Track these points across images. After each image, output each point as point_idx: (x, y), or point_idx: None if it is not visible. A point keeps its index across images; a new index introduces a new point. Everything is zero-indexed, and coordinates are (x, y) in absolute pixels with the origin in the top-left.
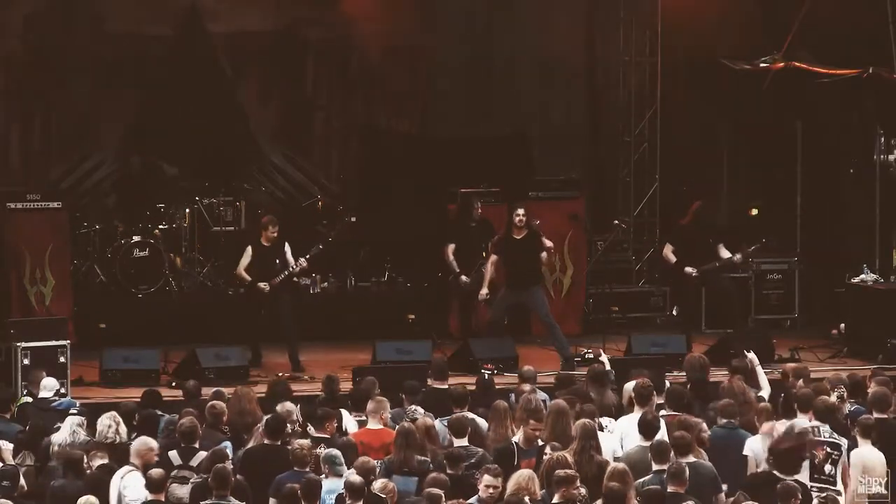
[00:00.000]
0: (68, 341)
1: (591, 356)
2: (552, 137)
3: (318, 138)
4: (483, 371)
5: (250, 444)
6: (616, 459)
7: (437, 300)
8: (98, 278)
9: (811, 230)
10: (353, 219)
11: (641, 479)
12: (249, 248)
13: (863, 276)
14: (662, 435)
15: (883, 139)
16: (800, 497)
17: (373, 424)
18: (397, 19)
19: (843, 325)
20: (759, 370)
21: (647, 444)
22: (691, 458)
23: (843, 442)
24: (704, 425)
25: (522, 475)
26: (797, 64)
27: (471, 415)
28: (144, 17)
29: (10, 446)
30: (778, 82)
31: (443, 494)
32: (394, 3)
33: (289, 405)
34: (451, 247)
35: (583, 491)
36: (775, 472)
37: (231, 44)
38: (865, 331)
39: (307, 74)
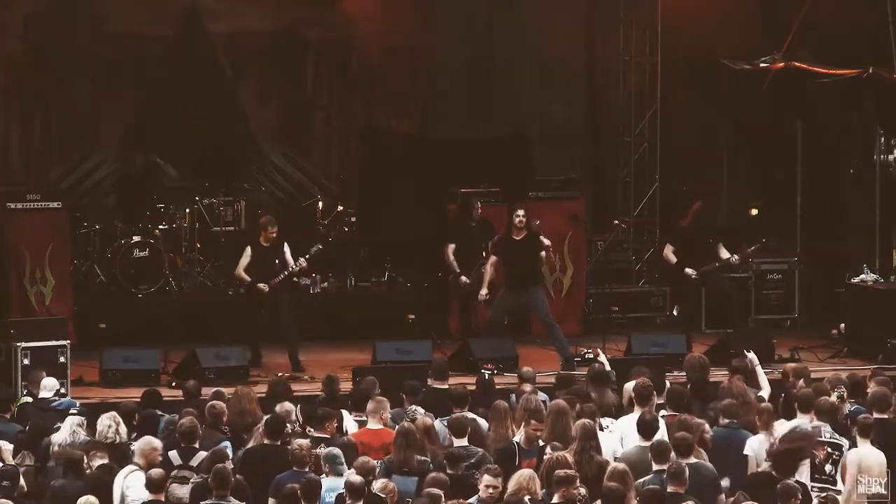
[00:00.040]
0: (68, 341)
1: (591, 356)
2: (552, 137)
3: (318, 138)
4: (483, 371)
5: (250, 444)
6: (616, 460)
7: (437, 300)
8: (98, 278)
9: (811, 230)
10: (354, 219)
11: (641, 479)
12: (249, 249)
13: (863, 276)
14: (662, 435)
15: (883, 139)
16: (800, 497)
17: (373, 424)
18: (397, 19)
19: (843, 325)
20: (759, 370)
21: (646, 444)
22: (692, 460)
23: (845, 442)
24: (707, 426)
25: (523, 475)
26: (797, 64)
27: (471, 415)
28: (144, 17)
29: (10, 446)
30: (778, 82)
31: (443, 494)
32: (394, 3)
33: (287, 405)
34: (451, 247)
35: (583, 491)
36: (773, 472)
37: (231, 44)
38: (865, 331)
39: (307, 74)
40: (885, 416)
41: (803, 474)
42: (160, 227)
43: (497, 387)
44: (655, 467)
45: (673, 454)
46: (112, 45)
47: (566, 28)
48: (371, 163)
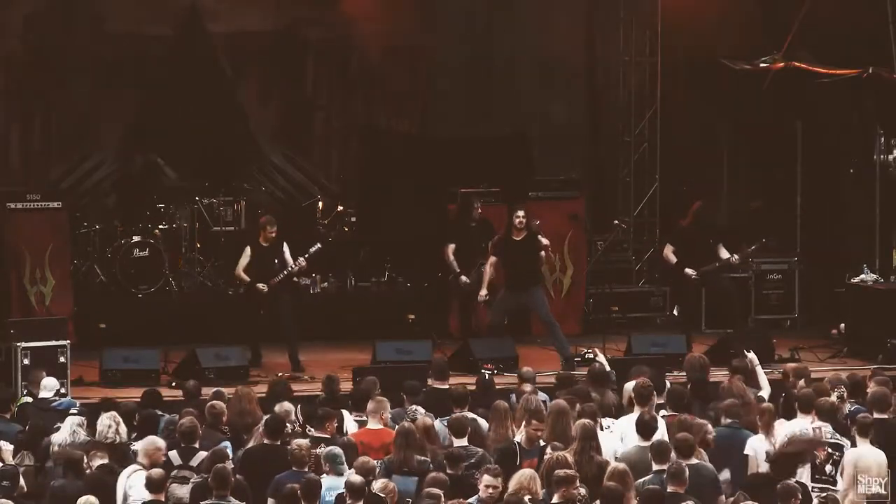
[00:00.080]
0: (68, 341)
1: (591, 356)
2: (552, 137)
3: (318, 138)
4: (483, 371)
5: (250, 444)
6: (616, 460)
7: (437, 300)
8: (98, 278)
9: (811, 230)
10: (354, 219)
11: (641, 479)
12: (248, 249)
13: (863, 276)
14: (662, 435)
15: (883, 139)
16: (800, 497)
17: (373, 424)
18: (397, 19)
19: (843, 325)
20: (759, 370)
21: (645, 444)
22: (693, 461)
23: (846, 443)
24: (710, 426)
25: (524, 475)
26: (797, 64)
27: (471, 415)
28: (144, 17)
29: (10, 446)
30: (778, 82)
31: (442, 494)
32: (394, 3)
33: (287, 405)
34: (451, 247)
35: (582, 491)
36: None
37: (231, 44)
38: (865, 331)
39: (307, 74)
40: (885, 416)
41: (804, 475)
42: (160, 227)
43: (497, 387)
44: (655, 467)
45: (673, 454)
46: (112, 45)
47: (566, 28)
48: (371, 163)
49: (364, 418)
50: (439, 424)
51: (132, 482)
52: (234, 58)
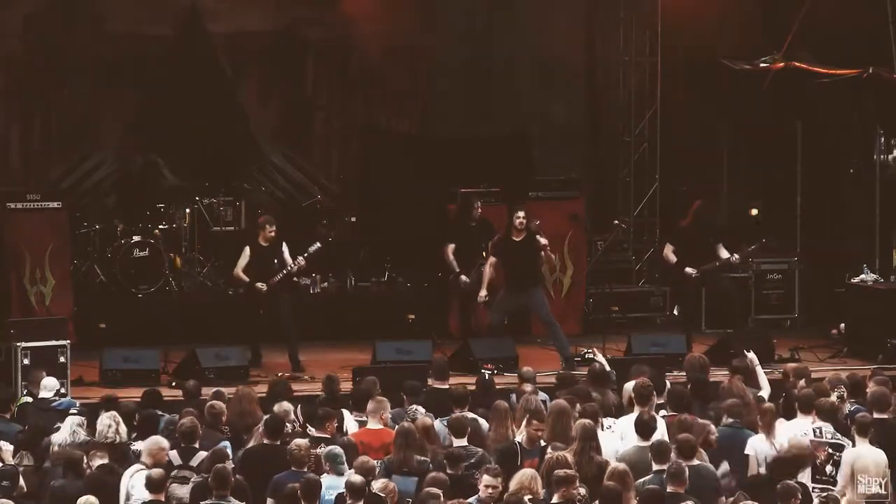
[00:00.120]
0: (68, 341)
1: (591, 356)
2: (552, 137)
3: (318, 138)
4: (483, 371)
5: (250, 444)
6: (616, 460)
7: (437, 300)
8: (98, 278)
9: (811, 230)
10: (354, 219)
11: (641, 479)
12: (247, 249)
13: (863, 276)
14: (661, 435)
15: (883, 139)
16: (800, 497)
17: (373, 424)
18: (397, 19)
19: (843, 325)
20: (759, 370)
21: (644, 444)
22: (694, 461)
23: (847, 443)
24: (712, 427)
25: (525, 474)
26: (797, 64)
27: (471, 415)
28: (144, 17)
29: (10, 446)
30: (778, 82)
31: (442, 494)
32: (394, 3)
33: (286, 405)
34: (451, 247)
35: (582, 491)
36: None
37: (231, 44)
38: (865, 331)
39: (307, 74)
40: (885, 416)
41: (804, 475)
42: (160, 227)
43: (497, 387)
44: (655, 467)
45: (673, 454)
46: (112, 45)
47: (566, 28)
48: (371, 163)
49: (364, 418)
50: (439, 424)
51: (135, 482)
52: (234, 58)
